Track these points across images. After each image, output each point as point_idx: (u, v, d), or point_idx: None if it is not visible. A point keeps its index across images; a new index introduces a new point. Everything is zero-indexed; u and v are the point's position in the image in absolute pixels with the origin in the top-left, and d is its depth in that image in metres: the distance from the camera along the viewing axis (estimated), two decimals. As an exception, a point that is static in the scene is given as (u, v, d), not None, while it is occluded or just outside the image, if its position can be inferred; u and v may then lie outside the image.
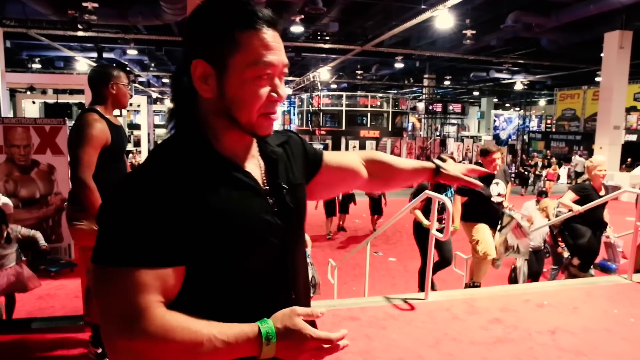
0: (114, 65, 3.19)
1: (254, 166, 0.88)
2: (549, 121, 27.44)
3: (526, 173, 16.10)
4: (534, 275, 5.16)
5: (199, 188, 0.76)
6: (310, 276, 4.11)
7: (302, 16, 11.87)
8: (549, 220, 5.23)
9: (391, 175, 1.24)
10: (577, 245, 4.77)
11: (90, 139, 2.29)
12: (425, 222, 4.32)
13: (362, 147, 21.55)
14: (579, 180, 5.63)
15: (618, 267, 5.58)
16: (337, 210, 9.15)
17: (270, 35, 0.80)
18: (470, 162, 20.05)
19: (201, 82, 0.79)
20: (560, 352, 2.72)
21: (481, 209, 4.36)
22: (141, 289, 0.72)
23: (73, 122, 2.47)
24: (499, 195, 4.50)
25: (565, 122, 23.73)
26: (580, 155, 18.75)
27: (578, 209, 4.55)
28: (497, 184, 4.50)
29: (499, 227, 4.49)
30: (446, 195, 4.04)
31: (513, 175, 15.88)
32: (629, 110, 18.34)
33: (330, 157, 1.13)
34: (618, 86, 14.57)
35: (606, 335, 2.96)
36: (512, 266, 5.21)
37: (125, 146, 2.66)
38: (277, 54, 0.80)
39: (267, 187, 0.87)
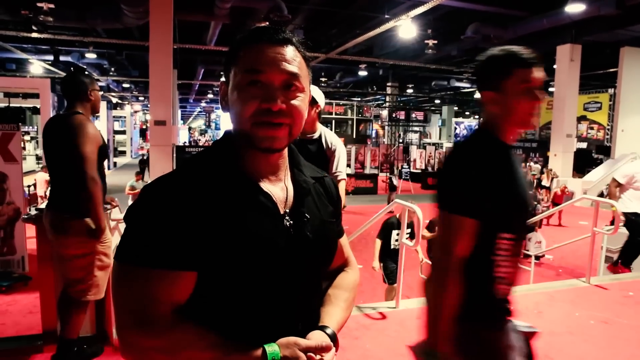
0: (85, 71, 3.16)
1: (279, 190, 0.89)
2: (506, 129, 28.45)
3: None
4: None
5: (214, 201, 0.79)
6: None
7: (267, 23, 11.85)
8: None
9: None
10: None
11: (92, 138, 2.33)
12: None
13: (327, 153, 21.59)
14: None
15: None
16: None
17: (269, 48, 0.82)
18: (432, 168, 20.53)
19: (222, 99, 0.88)
20: (529, 357, 2.79)
21: None
22: (154, 288, 0.77)
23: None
24: None
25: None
26: (535, 162, 19.54)
27: None
28: None
29: None
30: None
31: None
32: (580, 119, 19.31)
33: (344, 240, 1.08)
34: (570, 96, 15.32)
35: (570, 339, 3.07)
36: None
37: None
38: (273, 62, 0.81)
39: (287, 212, 0.87)
